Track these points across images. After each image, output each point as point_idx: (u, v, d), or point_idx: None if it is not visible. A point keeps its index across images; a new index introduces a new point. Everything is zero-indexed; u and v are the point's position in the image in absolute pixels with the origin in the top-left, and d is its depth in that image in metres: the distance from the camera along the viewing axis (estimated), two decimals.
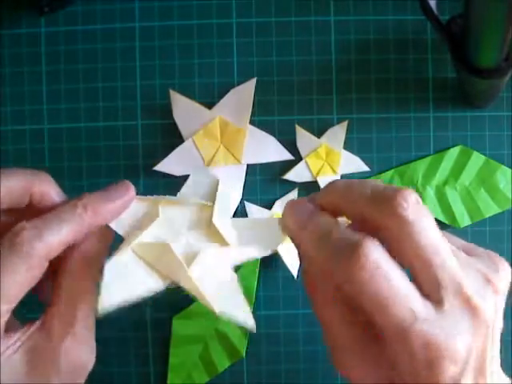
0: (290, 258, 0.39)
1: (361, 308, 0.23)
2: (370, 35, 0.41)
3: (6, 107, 0.41)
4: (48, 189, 0.26)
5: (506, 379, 0.24)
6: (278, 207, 0.40)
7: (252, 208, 0.40)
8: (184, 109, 0.40)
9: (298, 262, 0.39)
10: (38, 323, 0.25)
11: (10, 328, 0.24)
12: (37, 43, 0.41)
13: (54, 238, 0.24)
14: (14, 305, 0.24)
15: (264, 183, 0.41)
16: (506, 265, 0.24)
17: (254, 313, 0.40)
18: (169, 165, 0.40)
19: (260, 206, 0.40)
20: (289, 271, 0.40)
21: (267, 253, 0.27)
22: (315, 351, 0.41)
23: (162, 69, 0.41)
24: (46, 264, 0.24)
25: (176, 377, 0.41)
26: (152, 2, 0.41)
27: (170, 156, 0.39)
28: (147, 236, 0.26)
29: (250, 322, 0.25)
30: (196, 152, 0.40)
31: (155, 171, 0.39)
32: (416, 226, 0.22)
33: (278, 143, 0.40)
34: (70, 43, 0.41)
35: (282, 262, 0.40)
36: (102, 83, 0.41)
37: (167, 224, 0.27)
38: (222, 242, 0.27)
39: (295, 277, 0.40)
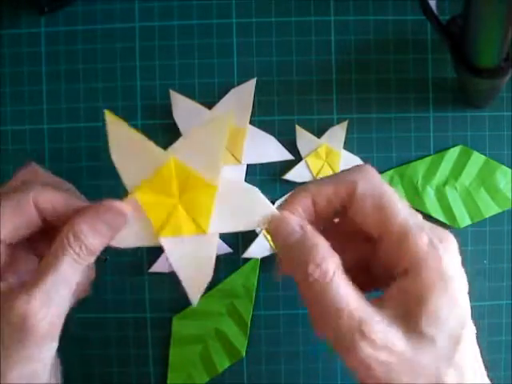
0: None
1: (364, 234, 0.26)
2: (370, 35, 0.41)
3: (6, 107, 0.41)
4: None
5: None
6: None
7: None
8: (184, 109, 0.40)
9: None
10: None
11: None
12: (37, 43, 0.41)
13: (43, 192, 0.27)
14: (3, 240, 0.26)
15: (264, 183, 0.41)
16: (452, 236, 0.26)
17: (254, 313, 0.40)
18: None
19: None
20: None
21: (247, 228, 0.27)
22: (315, 351, 0.41)
23: (162, 69, 0.41)
24: (36, 214, 0.26)
25: (176, 377, 0.41)
26: (152, 2, 0.41)
27: None
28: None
29: (194, 299, 0.27)
30: None
31: None
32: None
33: (278, 143, 0.40)
34: (70, 43, 0.41)
35: None
36: (102, 83, 0.41)
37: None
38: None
39: None
